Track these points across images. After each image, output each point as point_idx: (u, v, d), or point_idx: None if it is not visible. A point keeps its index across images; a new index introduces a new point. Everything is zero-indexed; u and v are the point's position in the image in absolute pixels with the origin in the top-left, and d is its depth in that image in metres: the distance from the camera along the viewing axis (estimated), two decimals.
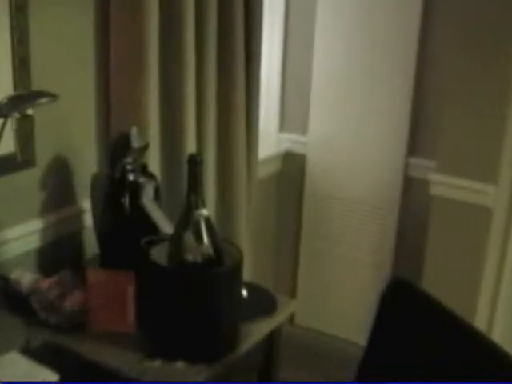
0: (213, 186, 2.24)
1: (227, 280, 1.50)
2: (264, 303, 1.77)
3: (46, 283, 1.63)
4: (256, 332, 1.63)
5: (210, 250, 1.47)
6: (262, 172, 2.65)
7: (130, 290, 1.57)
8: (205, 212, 1.48)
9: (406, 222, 2.82)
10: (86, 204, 1.90)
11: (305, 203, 3.02)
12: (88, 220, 1.92)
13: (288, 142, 3.00)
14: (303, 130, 2.95)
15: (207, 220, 1.48)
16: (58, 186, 1.90)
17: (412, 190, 2.78)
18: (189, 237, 1.46)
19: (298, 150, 2.99)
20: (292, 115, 2.99)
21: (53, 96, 1.52)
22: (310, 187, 2.98)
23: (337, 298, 3.06)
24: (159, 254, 1.52)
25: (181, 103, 2.00)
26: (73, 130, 1.91)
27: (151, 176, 1.80)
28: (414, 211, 2.80)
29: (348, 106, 2.81)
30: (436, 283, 2.57)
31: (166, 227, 1.74)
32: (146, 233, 1.70)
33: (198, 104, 2.09)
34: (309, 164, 2.96)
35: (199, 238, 1.47)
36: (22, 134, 1.74)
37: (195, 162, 1.46)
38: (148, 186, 1.76)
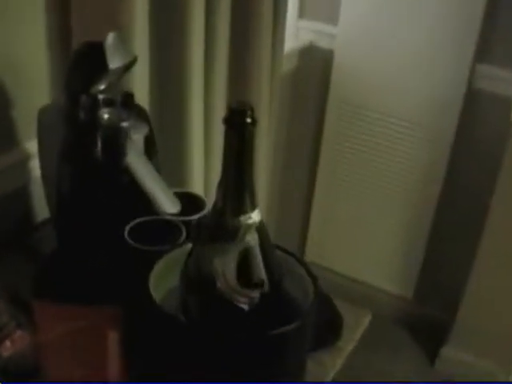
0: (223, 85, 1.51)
1: (295, 342, 0.82)
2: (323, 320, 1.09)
3: None
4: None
5: (265, 287, 0.78)
6: None
7: (112, 338, 0.87)
8: (256, 217, 0.76)
9: (464, 151, 2.13)
10: (34, 146, 1.18)
11: (327, 114, 2.30)
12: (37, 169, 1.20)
13: (310, 32, 2.25)
14: (332, 17, 2.18)
15: (261, 233, 0.77)
16: None
17: (478, 108, 2.07)
18: (225, 267, 0.75)
19: (323, 43, 2.24)
20: None
21: None
22: (336, 93, 2.26)
23: (358, 235, 2.42)
24: (164, 272, 0.84)
25: None
26: (12, 40, 1.16)
27: (141, 114, 1.07)
28: (477, 138, 2.10)
29: None
30: (502, 234, 1.94)
31: (166, 202, 1.04)
32: (130, 209, 1.01)
33: None
34: (336, 63, 2.22)
35: (247, 270, 0.76)
36: None
37: (242, 123, 0.73)
38: (135, 133, 1.03)
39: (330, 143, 2.32)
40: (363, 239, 2.42)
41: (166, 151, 1.31)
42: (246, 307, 0.77)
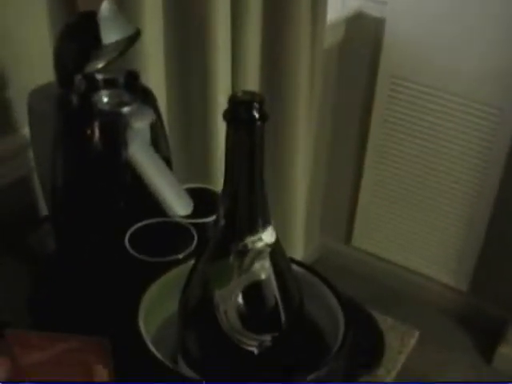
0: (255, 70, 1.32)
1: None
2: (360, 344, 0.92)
3: None
4: None
5: (279, 328, 0.61)
6: None
7: (101, 373, 0.72)
8: (267, 239, 0.59)
9: None
10: None
11: (378, 89, 2.09)
12: None
13: None
14: None
15: (275, 257, 0.60)
16: None
17: None
18: (227, 304, 0.59)
19: (373, 11, 2.01)
20: None
21: None
22: (386, 66, 2.04)
23: (410, 221, 2.23)
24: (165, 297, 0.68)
25: None
26: (10, 9, 1.01)
27: (147, 98, 0.90)
28: None
29: None
30: None
31: (176, 202, 0.88)
32: (133, 210, 0.86)
33: None
34: (388, 33, 2.00)
35: (255, 307, 0.60)
36: None
37: (249, 118, 0.55)
38: (140, 120, 0.87)
39: (379, 121, 2.13)
40: (416, 226, 2.22)
41: (186, 143, 1.14)
42: (255, 351, 0.61)
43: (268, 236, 0.59)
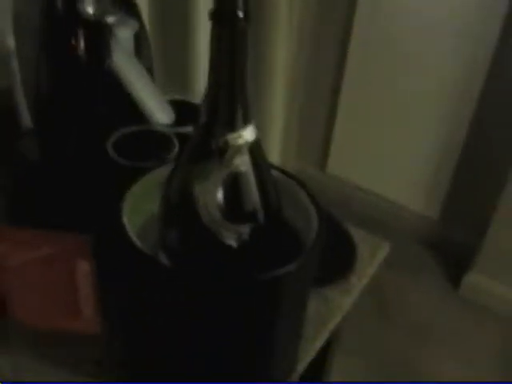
0: None
1: (294, 285, 0.69)
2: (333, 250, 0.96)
3: None
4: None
5: (259, 220, 0.64)
6: None
7: (82, 269, 0.75)
8: (248, 136, 0.62)
9: (505, 61, 1.94)
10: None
11: (358, 11, 2.08)
12: None
13: None
14: None
15: (255, 154, 0.63)
16: None
17: None
18: (207, 196, 0.62)
19: None
20: None
21: None
22: None
23: (384, 149, 2.26)
24: (143, 199, 0.71)
25: None
26: None
27: (132, 8, 0.91)
28: None
29: None
30: None
31: (157, 110, 0.91)
32: (116, 117, 0.89)
33: None
34: None
35: (235, 199, 0.63)
36: None
37: (232, 17, 0.58)
38: (123, 29, 0.88)
39: (358, 44, 2.12)
40: (390, 154, 2.26)
41: (166, 53, 1.16)
42: (234, 244, 0.64)
43: (248, 134, 0.62)
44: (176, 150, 0.89)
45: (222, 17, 0.57)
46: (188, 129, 0.91)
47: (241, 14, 0.57)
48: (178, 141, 0.91)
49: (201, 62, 1.24)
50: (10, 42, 1.06)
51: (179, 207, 0.66)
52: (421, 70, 2.05)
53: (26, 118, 1.10)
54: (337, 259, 0.97)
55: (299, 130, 2.38)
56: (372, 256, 0.98)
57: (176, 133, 0.91)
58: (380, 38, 2.08)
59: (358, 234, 1.01)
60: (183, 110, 0.94)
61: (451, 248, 2.25)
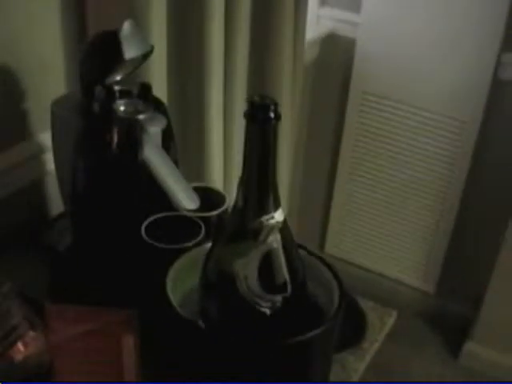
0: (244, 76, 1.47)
1: (320, 347, 0.78)
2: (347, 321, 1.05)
3: None
4: None
5: (287, 290, 0.74)
6: None
7: (127, 342, 0.83)
8: (278, 217, 0.72)
9: (489, 143, 2.08)
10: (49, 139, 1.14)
11: (349, 104, 2.24)
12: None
13: (331, 20, 2.19)
14: (354, 4, 2.12)
15: (284, 233, 0.73)
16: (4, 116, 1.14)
17: (504, 98, 2.02)
18: (247, 270, 0.71)
19: (346, 32, 2.18)
20: None
21: None
22: (357, 83, 2.20)
23: (380, 229, 2.37)
24: (184, 273, 0.80)
25: None
26: (26, 29, 1.13)
27: (158, 107, 1.03)
28: (502, 128, 2.05)
29: None
30: None
31: (184, 197, 1.00)
32: (147, 204, 0.98)
33: None
34: (359, 52, 2.16)
35: (269, 273, 0.73)
36: None
37: (265, 118, 0.68)
38: (153, 126, 0.99)
39: (351, 134, 2.27)
40: (385, 234, 2.37)
41: (185, 145, 1.27)
42: (268, 311, 0.73)
43: (279, 215, 0.72)
44: (202, 232, 0.99)
45: (256, 118, 0.68)
46: (212, 213, 1.02)
47: (272, 115, 0.68)
48: (203, 224, 1.00)
49: (214, 153, 1.37)
50: (44, 138, 1.17)
51: (218, 280, 0.75)
52: (411, 160, 2.19)
53: (58, 207, 1.20)
54: (349, 327, 1.06)
55: (299, 212, 2.49)
56: (381, 323, 1.07)
57: (201, 217, 1.01)
58: (371, 133, 2.22)
59: (366, 305, 1.10)
60: (207, 195, 1.04)
61: (449, 320, 2.33)
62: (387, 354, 2.12)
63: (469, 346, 2.20)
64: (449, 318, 2.34)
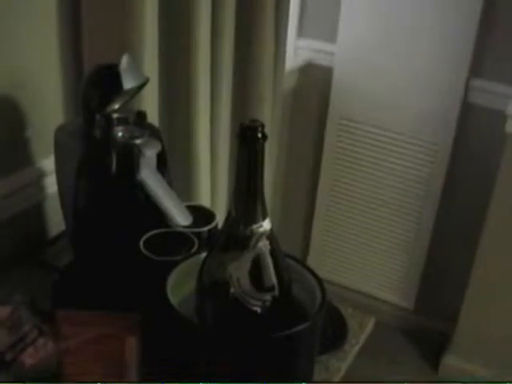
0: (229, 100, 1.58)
1: (305, 343, 0.87)
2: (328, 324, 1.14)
3: None
4: None
5: (275, 290, 0.83)
6: None
7: (131, 344, 0.92)
8: (266, 226, 0.82)
9: (461, 163, 2.20)
10: (48, 164, 1.24)
11: (327, 129, 2.36)
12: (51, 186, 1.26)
13: (309, 50, 2.31)
14: (330, 35, 2.25)
15: (271, 240, 0.83)
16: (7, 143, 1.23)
17: (473, 121, 2.14)
18: (239, 273, 0.81)
19: (322, 61, 2.31)
20: (315, 14, 2.27)
21: None
22: (335, 109, 2.32)
23: (358, 247, 2.48)
24: (180, 275, 0.89)
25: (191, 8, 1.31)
26: (27, 61, 1.23)
27: (153, 132, 1.12)
28: (473, 150, 2.17)
29: (394, 4, 2.10)
30: (499, 244, 1.99)
31: (179, 215, 1.10)
32: (145, 222, 1.07)
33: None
34: (335, 80, 2.28)
35: (259, 275, 0.82)
36: None
37: (254, 138, 0.78)
38: (148, 150, 1.09)
39: (330, 158, 2.38)
40: (364, 251, 2.47)
41: (175, 166, 1.37)
42: (258, 310, 0.82)
43: (266, 224, 0.82)
44: (195, 246, 1.08)
45: (246, 138, 0.78)
46: (203, 229, 1.11)
47: (260, 135, 0.78)
48: (196, 238, 1.10)
49: (201, 170, 1.48)
50: (44, 164, 1.27)
51: (213, 282, 0.84)
52: (388, 182, 2.31)
53: (57, 227, 1.29)
54: (332, 332, 1.15)
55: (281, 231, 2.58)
56: (360, 327, 1.16)
57: (194, 232, 1.10)
58: (349, 156, 2.34)
59: (346, 311, 1.19)
60: (198, 213, 1.13)
61: (427, 335, 2.43)
62: (365, 368, 2.21)
63: (447, 359, 2.29)
64: (427, 332, 2.43)
